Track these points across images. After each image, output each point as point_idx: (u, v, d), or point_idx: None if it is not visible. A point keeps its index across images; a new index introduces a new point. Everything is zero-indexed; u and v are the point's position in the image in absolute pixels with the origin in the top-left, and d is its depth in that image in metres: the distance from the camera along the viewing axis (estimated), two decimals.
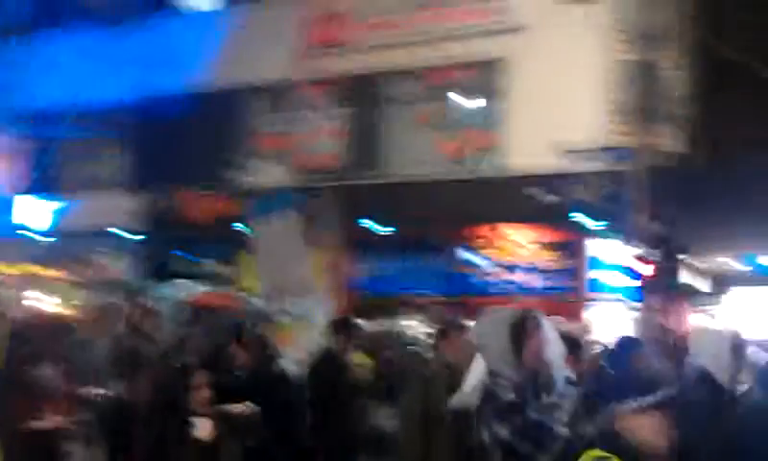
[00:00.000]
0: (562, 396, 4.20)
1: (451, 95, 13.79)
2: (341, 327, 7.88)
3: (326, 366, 7.45)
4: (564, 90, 12.32)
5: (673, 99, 11.78)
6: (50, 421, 6.54)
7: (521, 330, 4.21)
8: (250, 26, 14.77)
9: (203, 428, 5.73)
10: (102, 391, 7.61)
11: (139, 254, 15.68)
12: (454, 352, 6.16)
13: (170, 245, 15.66)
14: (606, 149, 12.11)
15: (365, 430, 7.57)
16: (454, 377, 5.74)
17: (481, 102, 13.64)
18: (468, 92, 13.75)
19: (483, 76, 13.51)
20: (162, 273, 15.62)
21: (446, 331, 6.66)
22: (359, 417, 7.49)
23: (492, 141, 13.39)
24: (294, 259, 10.86)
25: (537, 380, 4.14)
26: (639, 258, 11.14)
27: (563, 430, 4.02)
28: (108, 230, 15.09)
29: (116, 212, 15.13)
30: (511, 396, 4.04)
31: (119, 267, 15.80)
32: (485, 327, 4.56)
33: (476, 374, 4.76)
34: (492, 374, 4.21)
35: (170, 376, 6.57)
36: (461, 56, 13.35)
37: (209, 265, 15.44)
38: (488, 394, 4.17)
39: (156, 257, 15.71)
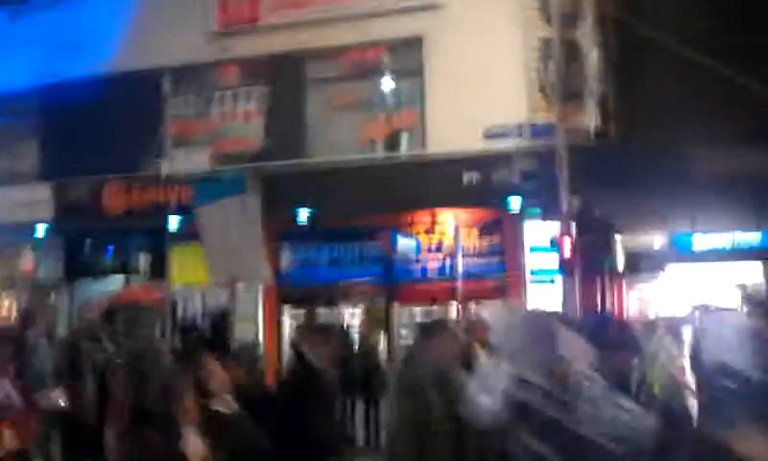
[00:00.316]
0: (597, 404, 3.64)
1: (372, 75, 13.56)
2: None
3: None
4: (484, 69, 12.25)
5: (592, 76, 11.84)
6: (11, 442, 5.94)
7: (546, 331, 3.78)
8: (162, 4, 14.23)
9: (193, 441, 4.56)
10: (58, 400, 7.15)
11: (57, 249, 15.09)
12: (442, 353, 5.73)
13: (89, 238, 15.11)
14: (527, 127, 12.16)
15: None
16: (445, 382, 5.34)
17: (402, 82, 13.45)
18: (390, 72, 13.53)
19: (403, 55, 13.36)
20: (82, 267, 15.09)
21: (432, 330, 6.30)
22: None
23: (414, 122, 13.26)
24: (247, 245, 10.59)
25: (569, 388, 3.63)
26: (563, 236, 11.19)
27: (613, 446, 3.63)
28: (25, 223, 14.41)
29: (32, 205, 14.47)
30: (551, 408, 3.55)
31: (35, 263, 15.18)
32: (509, 328, 4.06)
33: (492, 380, 4.22)
34: (522, 382, 3.75)
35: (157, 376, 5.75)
36: (381, 34, 13.15)
37: (130, 258, 14.98)
38: (521, 406, 3.66)
39: (74, 252, 15.14)
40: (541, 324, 3.87)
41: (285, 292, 13.80)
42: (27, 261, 14.98)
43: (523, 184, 11.99)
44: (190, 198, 12.83)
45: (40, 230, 14.51)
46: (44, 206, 14.44)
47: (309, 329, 9.12)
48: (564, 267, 11.17)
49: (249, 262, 10.67)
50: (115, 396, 5.22)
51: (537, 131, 12.08)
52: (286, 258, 13.94)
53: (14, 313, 14.23)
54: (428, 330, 6.20)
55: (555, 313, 7.68)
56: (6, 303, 15.20)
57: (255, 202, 11.12)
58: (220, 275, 10.99)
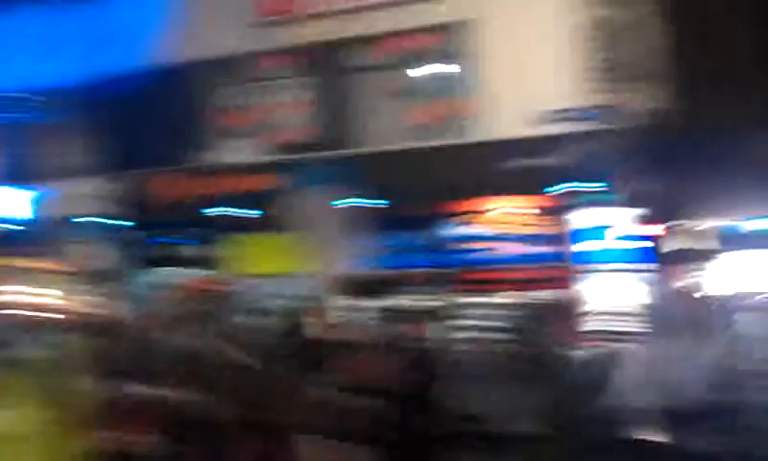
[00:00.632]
0: None
1: (419, 62, 13.28)
2: None
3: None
4: (536, 50, 11.87)
5: (650, 57, 11.36)
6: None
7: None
8: None
9: None
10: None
11: (118, 242, 15.30)
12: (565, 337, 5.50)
13: (148, 230, 15.27)
14: (582, 110, 11.78)
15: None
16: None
17: (451, 67, 13.13)
18: (438, 57, 13.22)
19: (452, 39, 12.99)
20: (143, 259, 15.28)
21: (554, 312, 6.12)
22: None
23: (464, 107, 12.96)
24: (334, 233, 10.63)
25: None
26: (631, 222, 10.96)
27: None
28: (84, 217, 14.67)
29: (86, 199, 14.69)
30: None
31: (98, 256, 15.43)
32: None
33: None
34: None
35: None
36: (428, 19, 12.83)
37: (190, 249, 15.07)
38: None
39: (134, 244, 15.33)
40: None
41: (343, 279, 13.75)
42: (85, 255, 15.21)
43: (579, 169, 11.66)
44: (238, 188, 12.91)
45: (96, 223, 14.73)
46: (99, 199, 14.64)
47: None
48: (640, 254, 10.85)
49: (335, 251, 10.66)
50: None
51: (592, 114, 11.69)
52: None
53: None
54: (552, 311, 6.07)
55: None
56: (72, 296, 15.48)
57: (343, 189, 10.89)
58: (312, 264, 10.96)
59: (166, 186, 14.14)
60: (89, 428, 5.31)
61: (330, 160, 12.76)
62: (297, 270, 12.98)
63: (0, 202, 15.65)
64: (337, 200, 11.92)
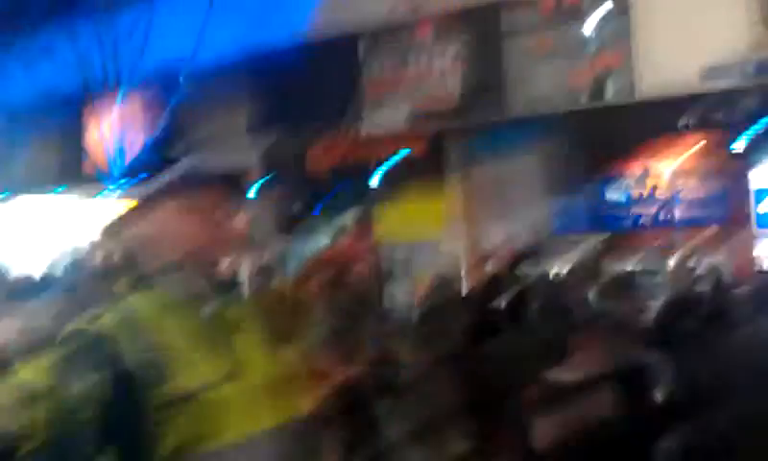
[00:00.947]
0: None
1: (573, 18, 12.86)
2: None
3: None
4: (699, 1, 11.26)
5: None
6: None
7: None
8: None
9: None
10: None
11: (266, 208, 15.76)
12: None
13: (298, 197, 15.66)
14: (749, 63, 11.09)
15: None
16: None
17: (607, 22, 12.65)
18: (592, 12, 12.76)
19: None
20: (291, 227, 15.69)
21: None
22: None
23: (622, 64, 12.47)
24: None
25: None
26: None
27: None
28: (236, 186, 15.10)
29: (241, 168, 15.13)
30: None
31: (249, 223, 15.94)
32: None
33: None
34: None
35: None
36: None
37: (340, 216, 15.34)
38: None
39: (283, 210, 15.76)
40: None
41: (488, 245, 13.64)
42: (241, 221, 15.76)
43: (746, 126, 10.99)
44: (391, 154, 12.97)
45: (253, 191, 15.21)
46: (255, 168, 15.07)
47: None
48: None
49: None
50: None
51: (760, 67, 10.98)
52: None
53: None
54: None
55: None
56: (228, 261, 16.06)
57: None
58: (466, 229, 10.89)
59: (321, 154, 14.41)
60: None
61: (485, 125, 12.62)
62: (450, 236, 12.97)
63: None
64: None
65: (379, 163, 13.12)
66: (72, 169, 17.25)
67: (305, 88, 14.60)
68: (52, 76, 15.78)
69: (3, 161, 19.65)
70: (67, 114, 16.55)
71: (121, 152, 15.86)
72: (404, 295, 13.57)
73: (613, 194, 12.32)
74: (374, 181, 13.71)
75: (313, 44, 14.22)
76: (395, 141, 12.99)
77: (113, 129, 15.70)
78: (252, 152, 15.21)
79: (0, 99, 17.11)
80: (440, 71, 13.91)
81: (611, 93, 12.60)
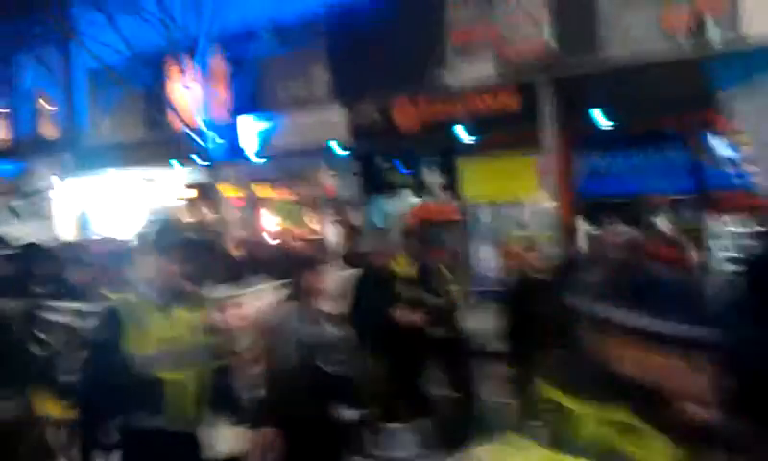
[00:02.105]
0: None
1: None
2: None
3: None
4: None
5: None
6: None
7: None
8: None
9: None
10: None
11: (353, 169, 15.51)
12: None
13: (381, 155, 15.33)
14: None
15: None
16: None
17: None
18: None
19: None
20: (376, 185, 15.41)
21: None
22: None
23: (724, 4, 11.52)
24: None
25: None
26: None
27: None
28: (321, 145, 14.91)
29: (327, 127, 14.92)
30: None
31: (335, 183, 15.78)
32: None
33: None
34: None
35: None
36: None
37: (427, 174, 14.96)
38: None
39: (368, 170, 15.48)
40: None
41: (581, 205, 13.07)
42: (326, 182, 15.61)
43: None
44: (479, 108, 12.44)
45: (336, 150, 14.97)
46: (338, 126, 14.79)
47: None
48: None
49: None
50: None
51: None
52: (582, 167, 13.11)
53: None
54: None
55: None
56: (311, 223, 16.01)
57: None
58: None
59: (407, 110, 13.95)
60: None
61: (575, 74, 11.92)
62: (535, 195, 12.45)
63: (242, 133, 16.33)
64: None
65: (467, 118, 12.57)
66: (158, 123, 17.38)
67: (389, 41, 14.17)
68: (138, 31, 15.83)
69: (92, 119, 20.08)
70: (153, 69, 16.62)
71: (205, 106, 15.86)
72: (490, 257, 13.23)
73: (717, 148, 11.49)
74: (462, 137, 13.22)
75: None
76: (483, 94, 12.41)
77: (197, 84, 15.67)
78: (338, 109, 14.93)
79: (88, 56, 17.35)
80: (529, 14, 13.18)
81: (712, 35, 11.64)
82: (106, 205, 18.86)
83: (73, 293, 6.12)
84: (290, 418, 3.98)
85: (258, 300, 5.46)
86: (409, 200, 14.75)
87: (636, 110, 11.57)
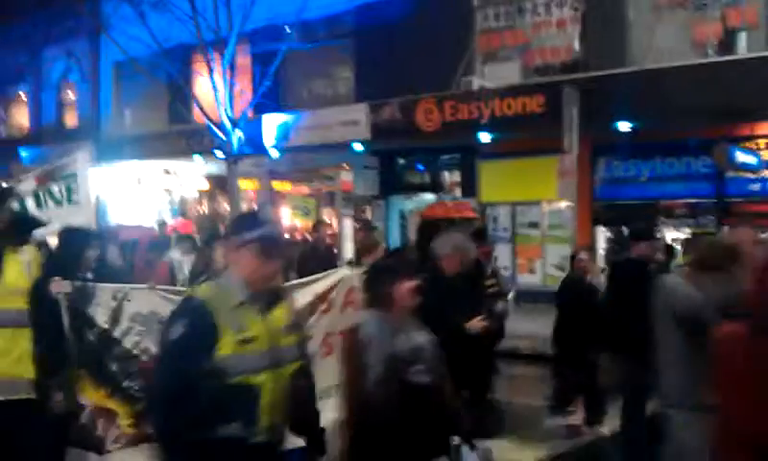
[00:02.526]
0: None
1: None
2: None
3: None
4: None
5: None
6: None
7: None
8: None
9: None
10: None
11: (372, 166, 15.54)
12: None
13: (402, 155, 15.36)
14: None
15: None
16: None
17: None
18: None
19: None
20: (396, 184, 15.43)
21: None
22: None
23: (754, 18, 11.61)
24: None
25: None
26: None
27: None
28: (342, 143, 14.93)
29: (349, 125, 14.95)
30: None
31: (353, 180, 15.81)
32: None
33: None
34: None
35: None
36: None
37: (442, 174, 14.98)
38: None
39: (388, 169, 15.51)
40: None
41: (600, 211, 13.06)
42: (346, 179, 15.65)
43: None
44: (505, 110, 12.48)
45: (357, 148, 15.00)
46: (360, 125, 14.81)
47: None
48: None
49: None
50: None
51: None
52: (602, 174, 13.13)
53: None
54: None
55: None
56: (329, 219, 16.02)
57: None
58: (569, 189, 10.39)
59: (431, 110, 13.98)
60: None
61: (601, 80, 11.95)
62: (554, 198, 12.44)
63: (263, 128, 16.39)
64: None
65: (489, 121, 12.60)
66: (181, 116, 17.51)
67: (414, 42, 14.28)
68: (165, 25, 15.96)
69: (116, 110, 20.23)
70: (178, 63, 16.74)
71: (230, 102, 15.94)
72: (506, 257, 13.17)
73: (740, 158, 11.46)
74: (483, 139, 13.25)
75: None
76: (506, 98, 12.44)
77: (223, 79, 15.76)
78: (360, 108, 14.98)
79: (115, 48, 17.52)
80: (557, 20, 13.29)
81: (741, 48, 11.73)
82: (123, 194, 18.95)
83: (118, 276, 5.98)
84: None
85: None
86: (427, 199, 14.76)
87: (660, 119, 11.58)
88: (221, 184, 17.08)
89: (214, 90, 15.16)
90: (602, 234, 13.16)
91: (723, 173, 11.60)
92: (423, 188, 15.21)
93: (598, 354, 6.47)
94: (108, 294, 4.80)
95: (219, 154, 15.93)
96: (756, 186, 11.72)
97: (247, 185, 16.41)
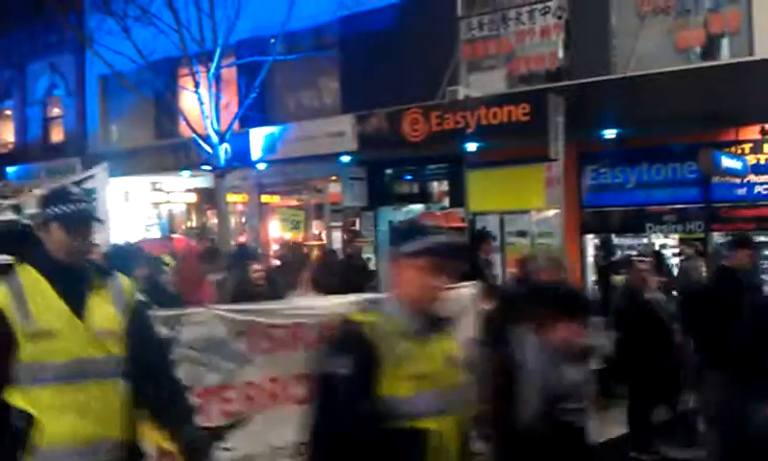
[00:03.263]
0: None
1: None
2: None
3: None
4: None
5: None
6: None
7: None
8: None
9: None
10: None
11: (360, 178, 15.53)
12: None
13: (390, 166, 15.35)
14: None
15: None
16: None
17: None
18: None
19: None
20: (383, 195, 15.42)
21: None
22: None
23: (737, 24, 11.66)
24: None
25: None
26: None
27: None
28: (330, 154, 14.90)
29: (336, 136, 14.92)
30: None
31: (341, 192, 15.79)
32: None
33: None
34: None
35: None
36: None
37: (430, 185, 14.99)
38: None
39: (376, 180, 15.50)
40: None
41: (586, 218, 13.09)
42: (334, 191, 15.63)
43: None
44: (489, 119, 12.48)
45: (344, 160, 14.98)
46: (346, 136, 14.78)
47: None
48: None
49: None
50: None
51: None
52: (588, 181, 13.16)
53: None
54: None
55: None
56: (317, 230, 16.01)
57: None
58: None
59: (416, 120, 13.96)
60: None
61: (586, 87, 11.97)
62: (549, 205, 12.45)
63: (250, 140, 16.34)
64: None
65: (476, 130, 12.61)
66: (167, 130, 17.48)
67: (400, 52, 14.29)
68: (150, 39, 15.91)
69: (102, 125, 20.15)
70: (164, 77, 16.69)
71: (216, 115, 15.91)
72: (496, 265, 13.15)
73: (725, 164, 11.50)
74: (470, 149, 13.26)
75: (408, 5, 13.84)
76: (492, 107, 12.44)
77: (209, 92, 15.72)
78: (347, 119, 14.96)
79: (100, 63, 17.47)
80: (541, 29, 13.32)
81: (724, 54, 11.79)
82: (111, 210, 18.85)
83: (173, 300, 5.38)
84: None
85: None
86: (415, 209, 14.76)
87: (645, 125, 11.62)
88: (209, 198, 17.04)
89: (200, 104, 15.13)
90: (590, 242, 13.19)
91: (709, 178, 11.66)
92: (412, 198, 15.21)
93: (676, 374, 6.27)
94: (159, 322, 4.06)
95: (206, 167, 15.90)
96: (743, 191, 11.73)
97: (235, 198, 16.35)
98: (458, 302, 5.01)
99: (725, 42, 11.95)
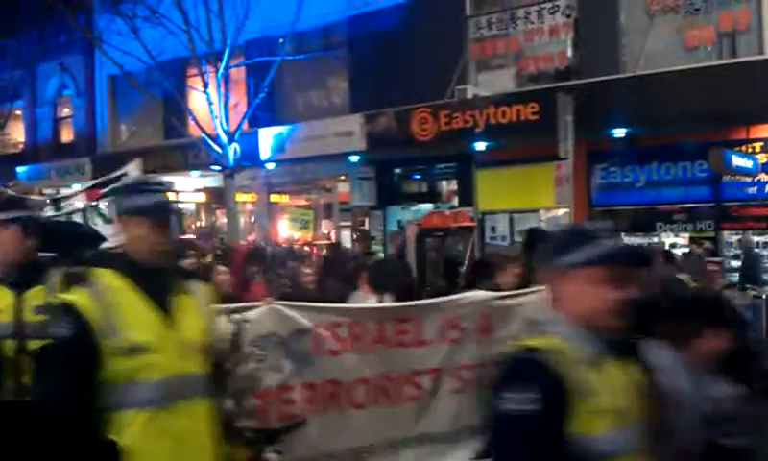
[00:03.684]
0: None
1: None
2: None
3: None
4: None
5: None
6: None
7: None
8: None
9: None
10: None
11: (368, 177, 15.53)
12: None
13: (398, 165, 15.35)
14: None
15: None
16: None
17: None
18: None
19: None
20: (392, 194, 15.42)
21: None
22: None
23: (748, 22, 11.61)
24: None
25: None
26: None
27: None
28: (339, 154, 14.91)
29: (345, 136, 14.93)
30: None
31: (350, 191, 15.80)
32: None
33: None
34: None
35: None
36: None
37: (438, 184, 14.97)
38: None
39: (385, 179, 15.50)
40: None
41: (596, 217, 13.04)
42: (343, 190, 15.64)
43: None
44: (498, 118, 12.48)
45: (353, 159, 14.99)
46: (355, 136, 14.80)
47: None
48: None
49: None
50: None
51: None
52: (598, 180, 13.13)
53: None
54: None
55: None
56: (326, 230, 16.02)
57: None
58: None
59: (423, 122, 13.97)
60: None
61: (595, 86, 11.95)
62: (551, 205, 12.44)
63: (258, 140, 16.37)
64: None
65: (485, 129, 12.59)
66: (177, 130, 17.49)
67: (408, 52, 14.27)
68: (159, 39, 15.96)
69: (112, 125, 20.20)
70: (173, 77, 16.73)
71: (225, 115, 15.94)
72: None
73: (736, 162, 11.45)
74: (480, 147, 13.24)
75: (417, 4, 13.83)
76: (501, 106, 12.42)
77: (218, 92, 15.76)
78: (355, 118, 14.96)
79: (109, 63, 17.54)
80: (550, 28, 13.29)
81: (735, 53, 11.74)
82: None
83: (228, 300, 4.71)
84: None
85: None
86: (424, 208, 14.75)
87: (655, 124, 11.58)
88: (218, 198, 17.08)
89: (209, 104, 15.17)
90: None
91: (719, 177, 11.62)
92: (421, 198, 15.21)
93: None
94: (223, 316, 3.78)
95: (215, 167, 15.94)
96: (754, 189, 11.68)
97: (244, 198, 16.39)
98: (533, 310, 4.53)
99: (735, 41, 11.89)
